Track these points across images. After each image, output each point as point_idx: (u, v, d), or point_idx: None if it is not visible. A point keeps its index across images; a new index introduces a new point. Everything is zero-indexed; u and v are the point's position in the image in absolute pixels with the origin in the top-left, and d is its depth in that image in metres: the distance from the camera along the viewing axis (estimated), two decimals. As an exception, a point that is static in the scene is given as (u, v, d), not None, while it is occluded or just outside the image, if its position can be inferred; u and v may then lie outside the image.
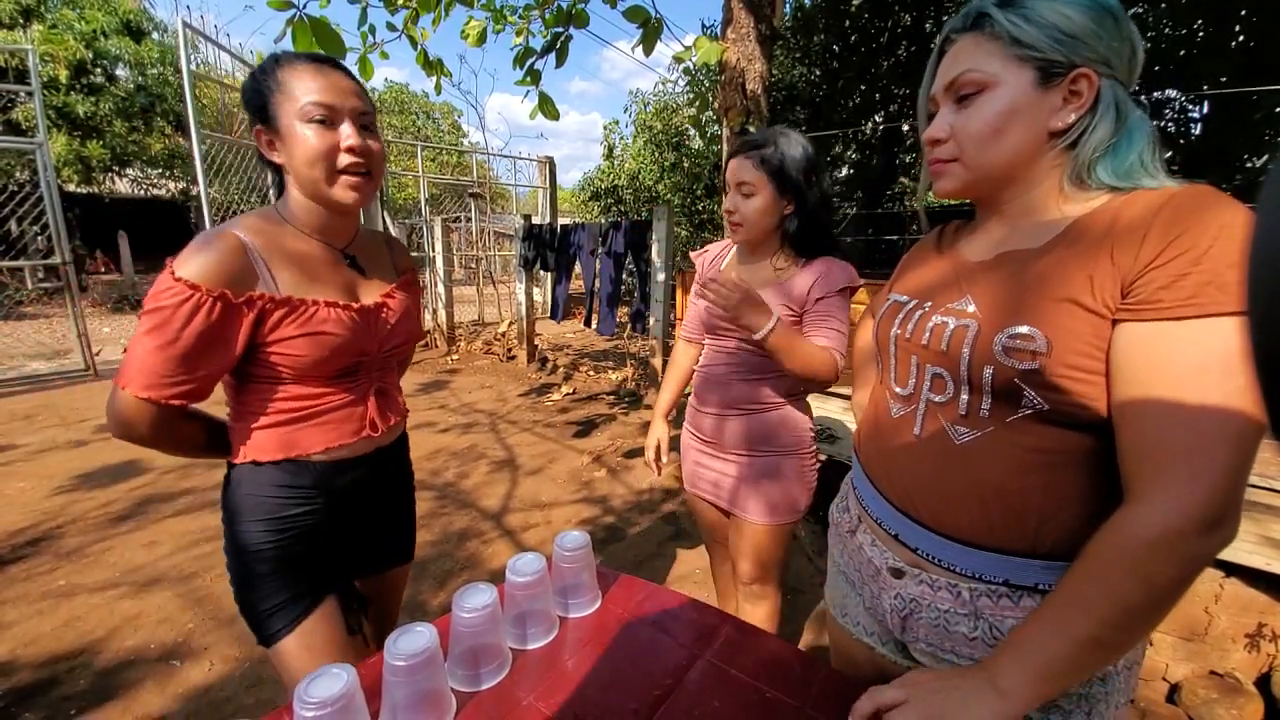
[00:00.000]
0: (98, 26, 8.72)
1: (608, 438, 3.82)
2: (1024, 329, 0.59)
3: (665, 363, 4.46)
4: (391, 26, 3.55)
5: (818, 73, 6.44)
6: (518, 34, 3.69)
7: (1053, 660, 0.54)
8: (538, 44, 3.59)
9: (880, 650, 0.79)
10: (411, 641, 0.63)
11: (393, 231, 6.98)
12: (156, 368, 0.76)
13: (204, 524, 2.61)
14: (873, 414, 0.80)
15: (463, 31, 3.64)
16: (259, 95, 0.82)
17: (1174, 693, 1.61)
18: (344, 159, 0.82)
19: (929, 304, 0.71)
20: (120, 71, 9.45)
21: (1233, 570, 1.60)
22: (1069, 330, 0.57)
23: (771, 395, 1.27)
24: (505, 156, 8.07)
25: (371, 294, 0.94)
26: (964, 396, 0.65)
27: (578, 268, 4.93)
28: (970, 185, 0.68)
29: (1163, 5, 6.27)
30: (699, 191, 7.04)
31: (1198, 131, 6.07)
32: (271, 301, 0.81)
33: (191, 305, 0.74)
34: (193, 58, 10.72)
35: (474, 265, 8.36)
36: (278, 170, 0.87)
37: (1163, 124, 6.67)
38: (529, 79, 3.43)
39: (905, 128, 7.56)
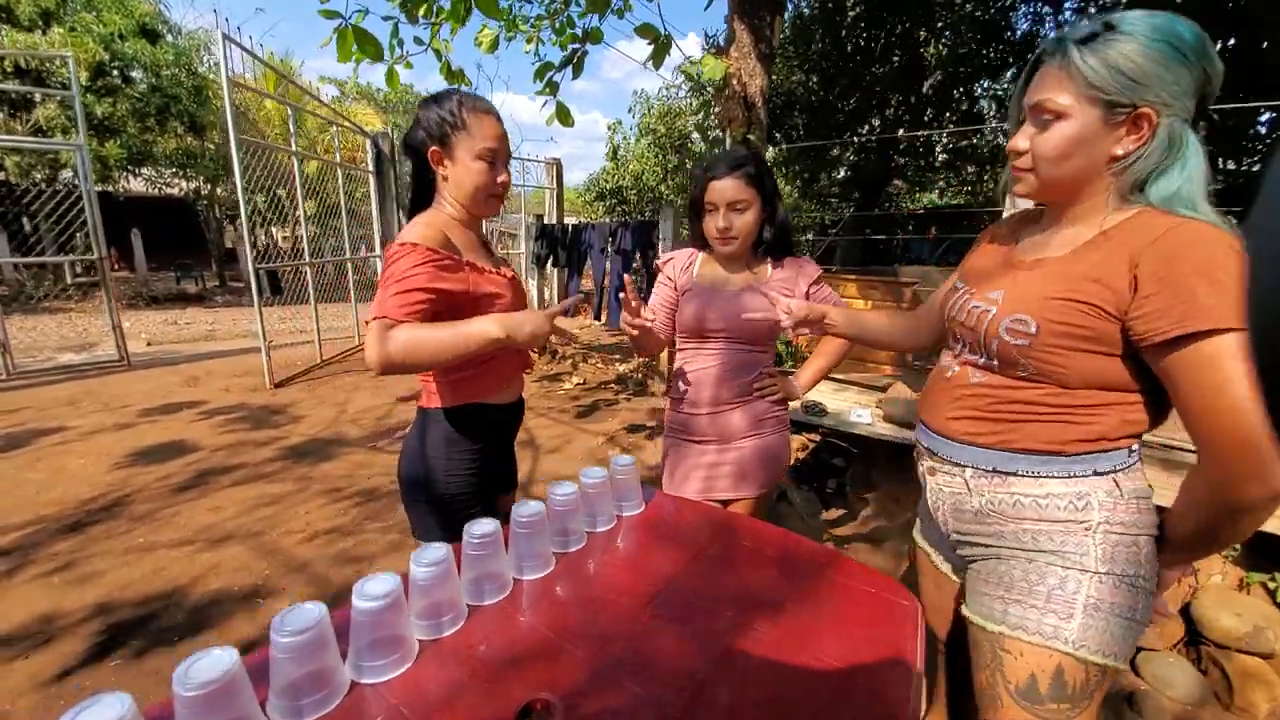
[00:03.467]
0: (115, 29, 8.97)
1: (618, 421, 4.11)
2: (1022, 316, 0.81)
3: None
4: (419, 40, 3.82)
5: (815, 79, 6.75)
6: (528, 41, 3.97)
7: None
8: (547, 51, 3.86)
9: (934, 560, 1.08)
10: (480, 529, 0.91)
11: (403, 224, 7.23)
12: (399, 298, 1.00)
13: (260, 492, 2.90)
14: (933, 373, 1.05)
15: (476, 39, 3.91)
16: (443, 126, 1.09)
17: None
18: (497, 189, 1.15)
19: (973, 290, 0.93)
20: (135, 73, 9.70)
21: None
22: (1055, 319, 0.78)
23: (755, 382, 1.46)
24: (515, 159, 8.32)
25: (503, 269, 1.24)
26: (981, 358, 0.90)
27: (588, 265, 5.21)
28: (1039, 193, 0.85)
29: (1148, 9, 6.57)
30: (701, 192, 7.33)
31: None
32: (469, 265, 1.11)
33: (416, 255, 1.02)
34: (204, 59, 10.91)
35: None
36: (427, 182, 1.17)
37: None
38: (548, 90, 3.71)
39: (900, 131, 7.85)
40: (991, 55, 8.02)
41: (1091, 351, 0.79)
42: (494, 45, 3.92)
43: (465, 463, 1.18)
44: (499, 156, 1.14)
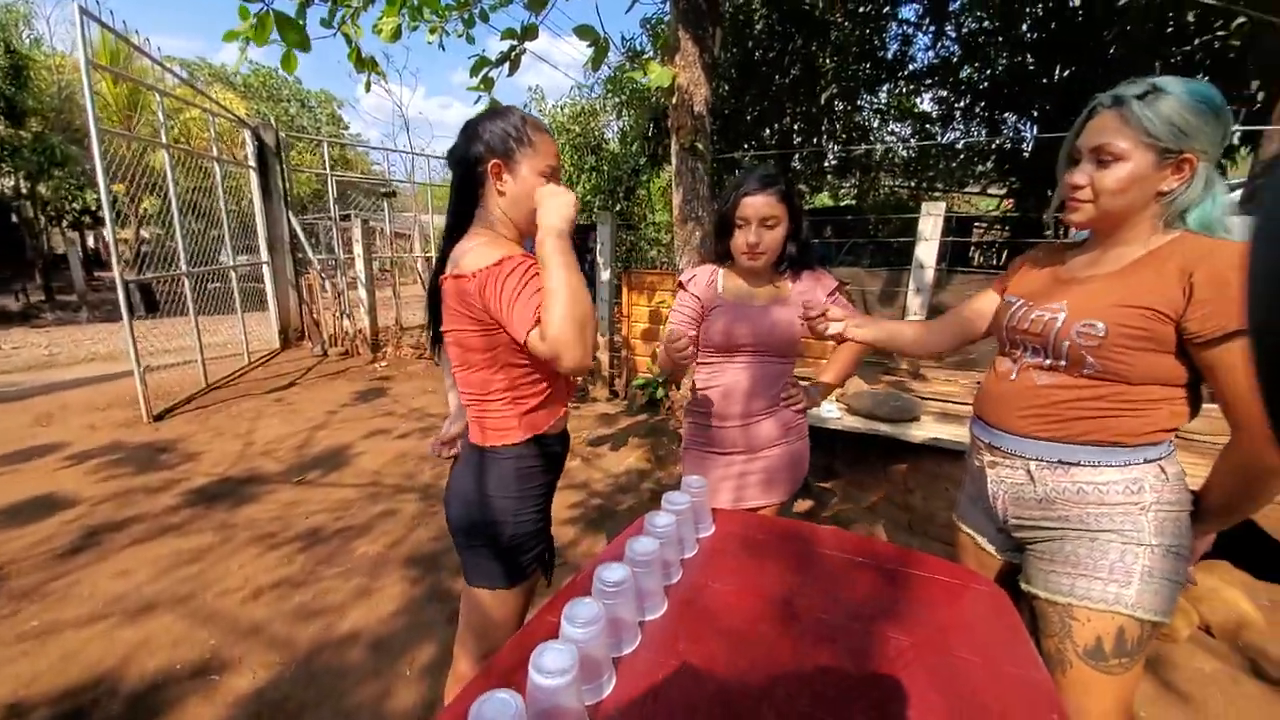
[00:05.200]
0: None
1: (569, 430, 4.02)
2: (1091, 321, 0.94)
3: (612, 358, 4.73)
4: (325, 23, 3.47)
5: (726, 87, 7.05)
6: (431, 31, 3.76)
7: None
8: (450, 43, 3.73)
9: (980, 543, 1.18)
10: (613, 574, 0.88)
11: (296, 228, 6.55)
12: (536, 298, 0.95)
13: (174, 548, 2.49)
14: (988, 376, 1.16)
15: (375, 26, 3.64)
16: (508, 141, 1.03)
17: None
18: None
19: (1031, 303, 1.06)
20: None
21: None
22: (1121, 322, 0.91)
23: (782, 393, 1.50)
24: (401, 152, 7.84)
25: None
26: (1048, 360, 1.01)
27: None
28: (1095, 221, 0.99)
29: (1001, 40, 7.60)
30: (620, 193, 7.36)
31: (1029, 148, 7.53)
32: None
33: (526, 263, 0.98)
34: (25, 35, 9.19)
35: (390, 267, 8.04)
36: (473, 199, 1.09)
37: (1000, 141, 8.08)
38: (484, 86, 3.54)
39: (798, 140, 8.40)
40: (870, 72, 8.84)
41: (1150, 350, 0.92)
42: (395, 35, 3.65)
43: (533, 501, 1.12)
44: (557, 176, 1.10)
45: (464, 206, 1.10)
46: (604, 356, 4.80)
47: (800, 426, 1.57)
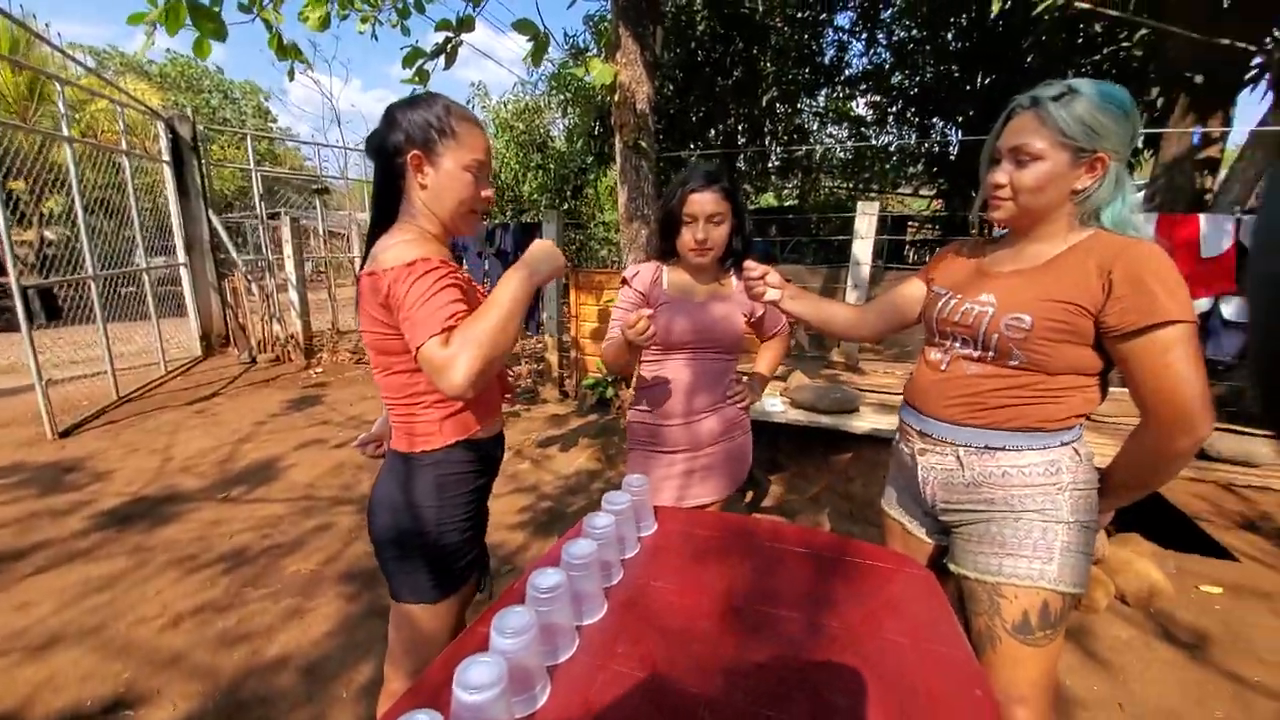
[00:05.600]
0: None
1: (518, 432, 3.94)
2: (1019, 314, 0.98)
3: (562, 358, 4.67)
4: (243, 8, 3.26)
5: (671, 88, 7.10)
6: (363, 21, 3.62)
7: None
8: (384, 33, 3.60)
9: (909, 528, 1.23)
10: (547, 580, 0.86)
11: (217, 227, 6.14)
12: (446, 309, 0.90)
13: (83, 575, 2.28)
14: (919, 366, 1.18)
15: (301, 14, 3.46)
16: (428, 131, 0.97)
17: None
18: (480, 205, 1.06)
19: (960, 295, 1.10)
20: None
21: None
22: (1046, 315, 0.95)
23: (727, 389, 1.52)
24: (334, 147, 7.49)
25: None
26: (977, 351, 1.05)
27: (463, 268, 4.89)
28: (1015, 218, 1.03)
29: (927, 48, 7.98)
30: (567, 192, 7.28)
31: (955, 152, 7.97)
32: (467, 281, 0.99)
33: (439, 270, 0.92)
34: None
35: (325, 268, 7.66)
36: (395, 191, 1.03)
37: (929, 144, 8.49)
38: (418, 78, 3.41)
39: (741, 140, 8.55)
40: (808, 76, 9.11)
41: (1070, 342, 0.97)
42: (324, 24, 3.48)
43: (461, 508, 1.06)
44: (485, 171, 1.05)
45: (386, 199, 1.04)
46: (553, 357, 4.73)
47: (743, 422, 1.59)
